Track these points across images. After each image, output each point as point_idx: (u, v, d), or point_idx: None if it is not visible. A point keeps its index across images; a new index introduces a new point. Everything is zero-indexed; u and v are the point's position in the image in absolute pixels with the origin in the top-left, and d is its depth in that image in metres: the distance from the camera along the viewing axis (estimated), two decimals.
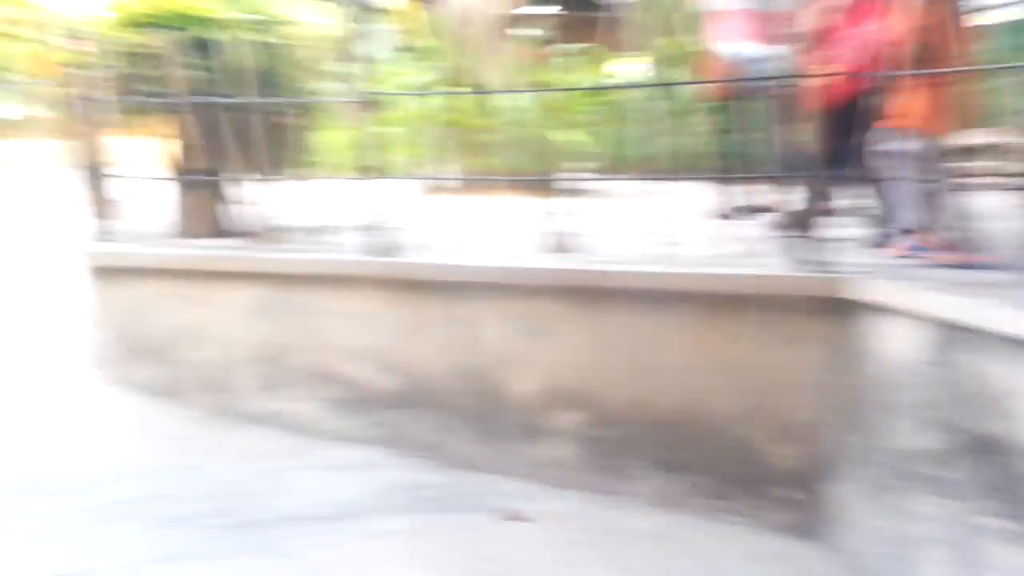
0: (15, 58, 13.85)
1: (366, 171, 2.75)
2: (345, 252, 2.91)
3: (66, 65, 3.32)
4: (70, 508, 2.17)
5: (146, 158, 3.55)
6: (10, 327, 3.83)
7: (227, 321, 3.01)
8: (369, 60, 3.22)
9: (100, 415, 3.00)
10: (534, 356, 2.60)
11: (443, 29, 6.55)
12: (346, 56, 3.08)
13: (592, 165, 4.93)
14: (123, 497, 2.28)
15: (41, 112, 13.82)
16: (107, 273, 3.26)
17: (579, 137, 5.69)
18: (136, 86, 3.13)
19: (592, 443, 2.56)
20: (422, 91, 5.22)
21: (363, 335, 2.82)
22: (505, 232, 3.23)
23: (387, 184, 2.84)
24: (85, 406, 3.06)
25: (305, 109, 3.38)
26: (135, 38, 3.18)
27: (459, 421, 2.76)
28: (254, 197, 3.14)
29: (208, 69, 3.10)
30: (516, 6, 6.65)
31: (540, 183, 3.05)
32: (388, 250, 2.79)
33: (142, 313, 3.19)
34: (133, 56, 3.15)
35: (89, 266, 3.36)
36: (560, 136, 5.38)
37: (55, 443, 2.75)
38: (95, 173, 3.43)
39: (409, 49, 6.40)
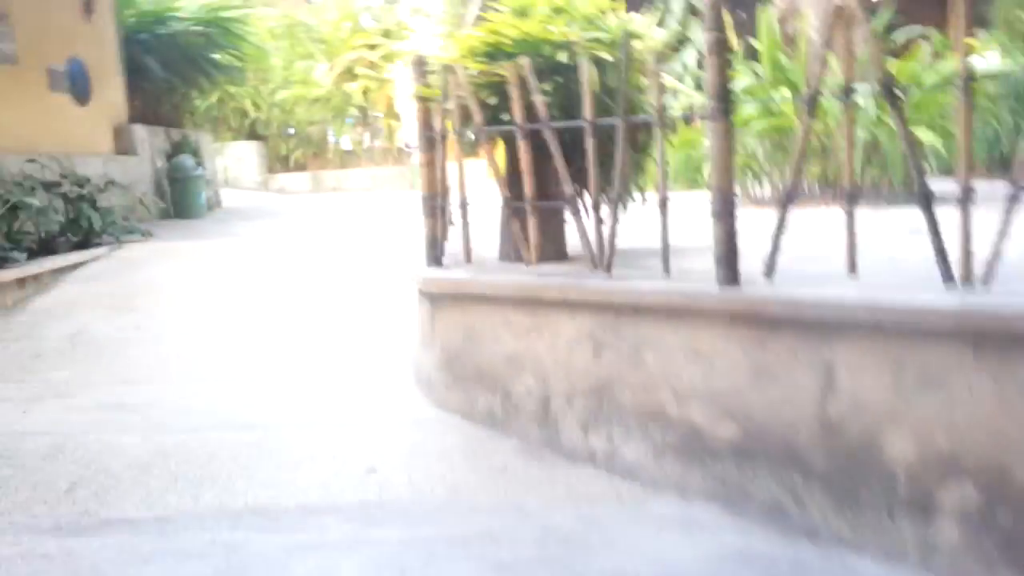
0: (354, 93, 15.58)
1: (720, 190, 2.47)
2: (682, 281, 2.67)
3: (414, 98, 3.47)
4: (397, 540, 2.12)
5: (482, 183, 3.59)
6: (339, 346, 4.07)
7: (556, 351, 2.89)
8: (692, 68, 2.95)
9: (426, 440, 3.03)
10: (916, 413, 2.13)
11: (765, 27, 6.15)
12: (672, 65, 2.82)
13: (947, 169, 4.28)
14: (450, 533, 2.20)
15: (377, 141, 15.37)
16: (438, 298, 3.32)
17: (934, 138, 4.97)
18: (478, 114, 3.15)
19: (986, 527, 2.03)
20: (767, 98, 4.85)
21: (701, 375, 2.54)
22: (865, 255, 2.77)
23: (727, 201, 2.54)
24: (411, 429, 3.11)
25: (646, 127, 3.19)
26: (478, 67, 3.22)
27: (810, 483, 2.37)
28: (591, 221, 3.01)
29: (553, 92, 3.04)
30: None
31: (917, 193, 2.55)
32: (731, 278, 2.49)
33: (470, 339, 3.20)
34: (477, 85, 3.18)
35: (420, 290, 3.47)
36: (923, 138, 4.72)
37: (383, 466, 2.80)
38: (431, 199, 3.54)
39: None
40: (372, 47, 16.16)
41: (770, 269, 2.52)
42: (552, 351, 2.93)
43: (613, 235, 2.87)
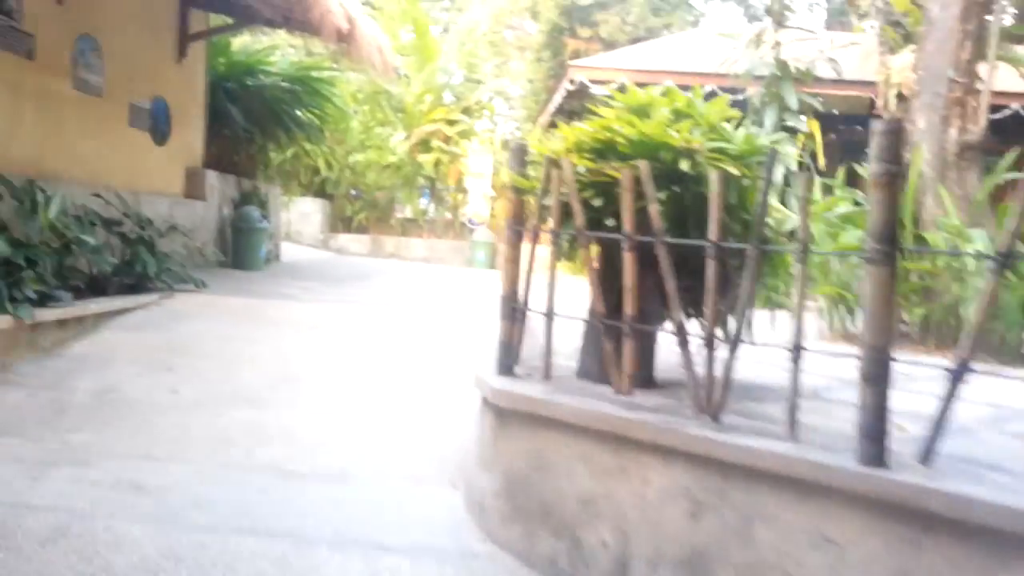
0: (426, 163, 15.59)
1: (875, 349, 2.05)
2: (810, 446, 2.22)
3: (508, 187, 3.14)
4: None
5: (570, 292, 3.22)
6: (383, 446, 3.66)
7: (643, 503, 2.45)
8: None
9: None
10: None
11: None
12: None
13: None
14: None
15: (443, 214, 15.28)
16: (505, 414, 2.91)
17: None
18: (580, 215, 2.81)
19: None
20: None
21: (828, 566, 2.07)
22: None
23: (882, 364, 2.10)
24: (457, 566, 2.66)
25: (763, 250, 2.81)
26: (587, 164, 2.89)
27: None
28: (697, 353, 2.60)
29: (666, 203, 2.69)
30: None
31: None
32: (877, 457, 2.04)
33: (539, 468, 2.77)
34: (582, 184, 2.85)
35: (486, 400, 3.07)
36: None
37: None
38: (511, 299, 3.17)
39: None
40: (450, 122, 16.25)
41: (927, 453, 2.07)
42: (637, 502, 2.48)
43: (728, 376, 2.44)
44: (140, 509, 2.83)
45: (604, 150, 3.02)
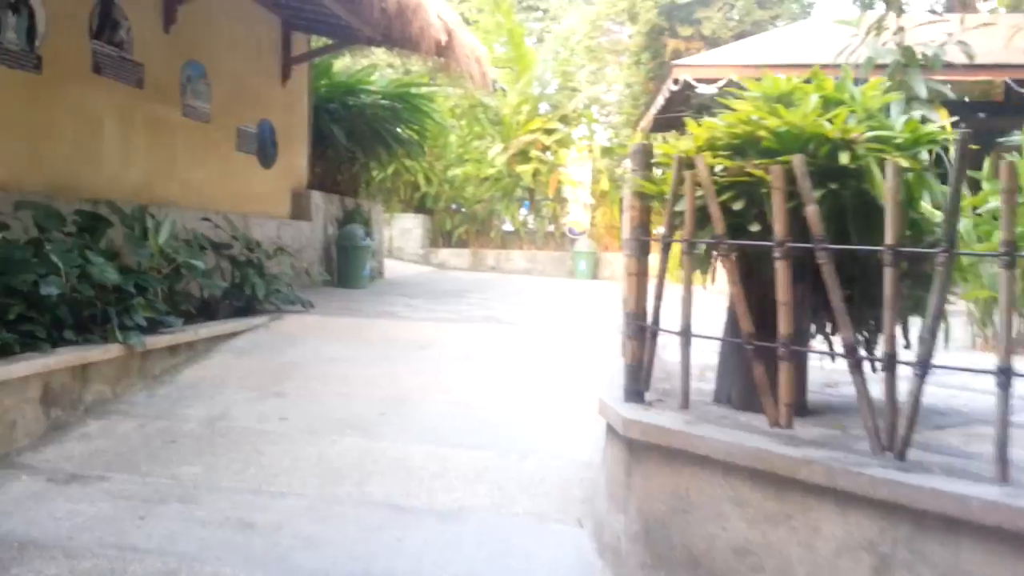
0: (524, 174, 15.40)
1: None
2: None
3: (632, 193, 2.83)
4: None
5: (708, 306, 2.88)
6: (504, 479, 3.38)
7: (814, 557, 2.08)
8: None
9: None
10: None
11: None
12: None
13: None
14: None
15: (543, 225, 15.01)
16: (639, 447, 2.59)
17: None
18: (720, 221, 2.47)
19: None
20: None
21: None
22: None
23: None
24: None
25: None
26: (723, 162, 2.55)
27: None
28: (865, 379, 2.22)
29: (820, 203, 2.32)
30: None
31: None
32: None
33: (681, 511, 2.43)
34: (721, 186, 2.51)
35: (615, 431, 2.75)
36: None
37: None
38: (639, 318, 2.85)
39: None
40: (548, 131, 16.02)
41: None
42: (806, 555, 2.12)
43: (916, 406, 2.05)
44: (250, 550, 2.66)
45: (743, 146, 2.68)
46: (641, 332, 2.84)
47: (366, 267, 10.18)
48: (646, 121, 14.06)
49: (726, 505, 2.32)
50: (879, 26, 9.53)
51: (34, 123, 5.38)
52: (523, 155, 15.94)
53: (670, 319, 2.79)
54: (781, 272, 2.31)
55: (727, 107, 2.92)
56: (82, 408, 3.88)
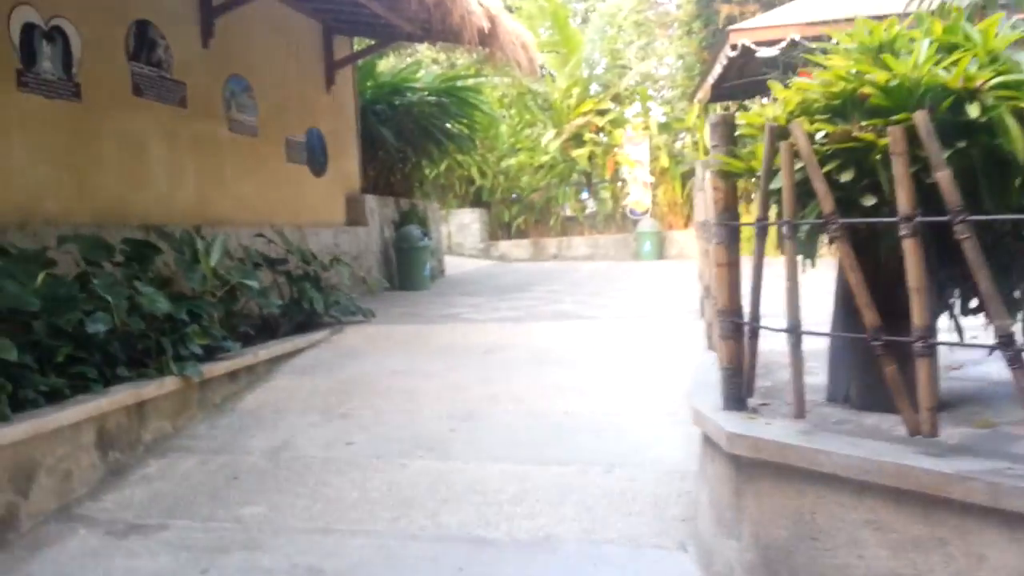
0: (580, 158, 15.00)
1: None
2: None
3: (715, 172, 2.47)
4: None
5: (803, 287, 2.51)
6: (592, 499, 3.06)
7: None
8: None
9: None
10: None
11: None
12: None
13: None
14: None
15: (603, 208, 14.56)
16: (749, 465, 2.24)
17: None
18: (828, 198, 2.09)
19: None
20: None
21: None
22: None
23: None
24: None
25: None
26: (827, 127, 2.18)
27: None
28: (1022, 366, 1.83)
29: (952, 164, 1.94)
30: None
31: None
32: None
33: (807, 537, 2.08)
34: (822, 157, 2.13)
35: (718, 446, 2.40)
36: None
37: None
38: (733, 314, 2.49)
39: None
40: (600, 112, 15.55)
41: None
42: None
43: None
44: None
45: (843, 107, 2.29)
46: (737, 331, 2.48)
47: (426, 267, 9.97)
48: (703, 92, 13.48)
49: (862, 531, 1.96)
50: None
51: (77, 151, 5.26)
52: (577, 139, 15.52)
53: (768, 310, 2.43)
54: (911, 252, 1.93)
55: (816, 64, 2.54)
56: (141, 448, 3.70)
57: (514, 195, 16.54)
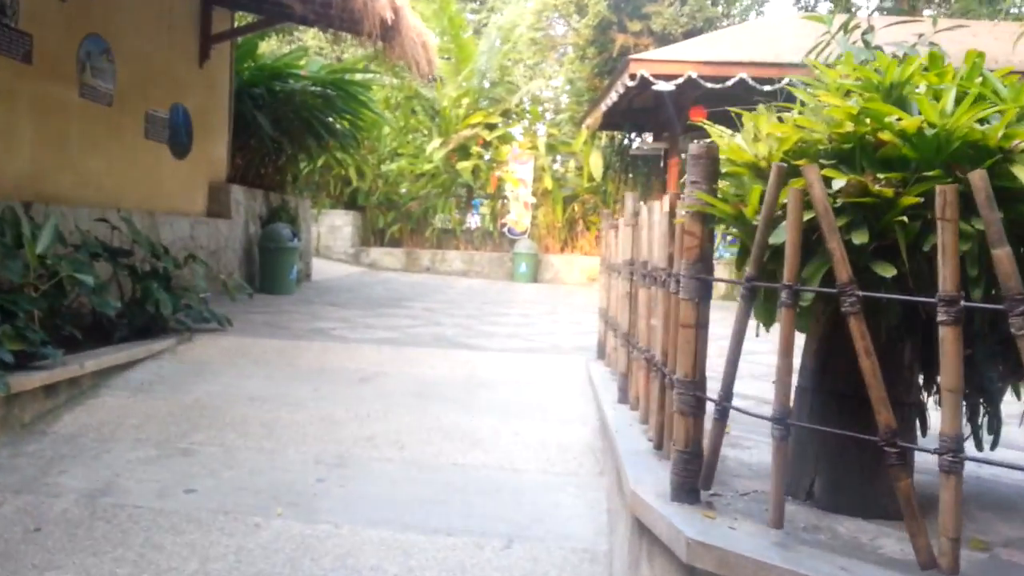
0: (464, 171, 14.54)
1: None
2: None
3: (688, 210, 2.04)
4: None
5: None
6: None
7: None
8: None
9: None
10: None
11: None
12: None
13: None
14: None
15: (486, 224, 14.08)
16: None
17: None
18: (845, 264, 1.70)
19: None
20: None
21: None
22: None
23: None
24: None
25: None
26: (835, 175, 1.78)
27: None
28: None
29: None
30: None
31: None
32: None
33: None
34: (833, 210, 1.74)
35: (667, 547, 1.96)
36: None
37: None
38: (695, 386, 2.06)
39: None
40: (489, 127, 15.17)
41: None
42: None
43: None
44: None
45: (851, 153, 1.91)
46: (699, 406, 2.05)
47: (293, 270, 9.18)
48: (593, 118, 13.38)
49: None
50: (847, 25, 9.07)
51: None
52: (463, 150, 15.06)
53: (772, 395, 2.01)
54: (950, 343, 1.55)
55: (780, 108, 2.18)
56: None
57: (392, 202, 15.82)
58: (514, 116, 15.98)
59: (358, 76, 10.39)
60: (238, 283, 6.32)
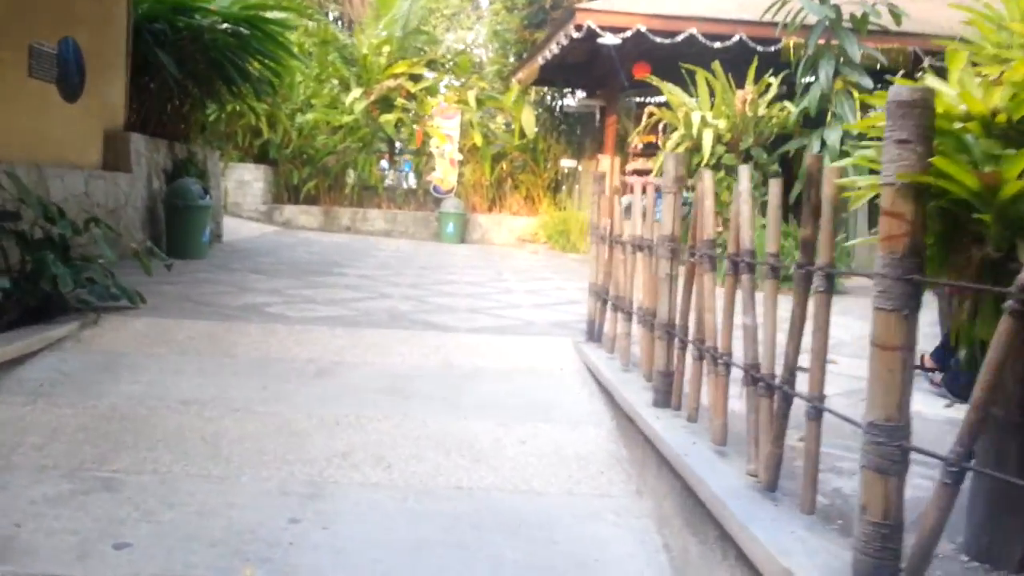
0: (386, 124, 13.58)
1: None
2: None
3: (912, 194, 1.41)
4: None
5: None
6: None
7: None
8: None
9: None
10: None
11: None
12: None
13: None
14: None
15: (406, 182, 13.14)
16: None
17: None
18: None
19: None
20: None
21: None
22: None
23: None
24: None
25: None
26: None
27: None
28: None
29: None
30: None
31: None
32: None
33: None
34: None
35: None
36: None
37: None
38: (897, 436, 1.45)
39: None
40: (414, 78, 14.18)
41: None
42: None
43: None
44: None
45: None
46: (903, 462, 1.44)
47: (205, 232, 8.17)
48: (527, 72, 12.62)
49: None
50: None
51: None
52: (385, 102, 14.04)
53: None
54: None
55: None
56: None
57: (308, 156, 14.65)
58: (441, 67, 15.04)
59: (278, 14, 9.28)
60: (149, 249, 5.36)
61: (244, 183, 14.16)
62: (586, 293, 4.41)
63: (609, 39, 9.55)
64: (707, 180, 2.39)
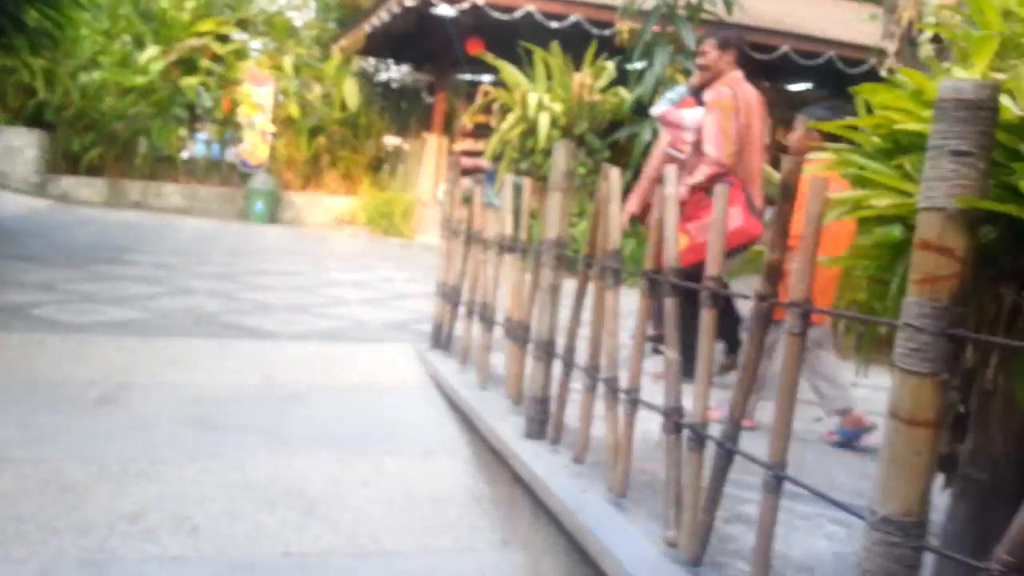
0: (188, 88, 12.19)
1: None
2: None
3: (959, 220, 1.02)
4: None
5: None
6: None
7: None
8: None
9: None
10: None
11: None
12: None
13: None
14: None
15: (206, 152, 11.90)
16: None
17: None
18: None
19: None
20: None
21: None
22: None
23: None
24: None
25: None
26: None
27: None
28: None
29: None
30: None
31: None
32: None
33: None
34: None
35: None
36: None
37: None
38: (914, 526, 1.08)
39: None
40: (221, 38, 12.88)
41: None
42: None
43: None
44: None
45: None
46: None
47: None
48: (351, 40, 11.80)
49: None
50: None
51: None
52: (187, 64, 12.66)
53: None
54: None
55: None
56: None
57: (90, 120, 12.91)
58: (253, 29, 13.80)
59: None
60: None
61: (13, 149, 12.28)
62: (420, 285, 3.91)
63: (444, 9, 9.03)
64: (613, 179, 1.98)
